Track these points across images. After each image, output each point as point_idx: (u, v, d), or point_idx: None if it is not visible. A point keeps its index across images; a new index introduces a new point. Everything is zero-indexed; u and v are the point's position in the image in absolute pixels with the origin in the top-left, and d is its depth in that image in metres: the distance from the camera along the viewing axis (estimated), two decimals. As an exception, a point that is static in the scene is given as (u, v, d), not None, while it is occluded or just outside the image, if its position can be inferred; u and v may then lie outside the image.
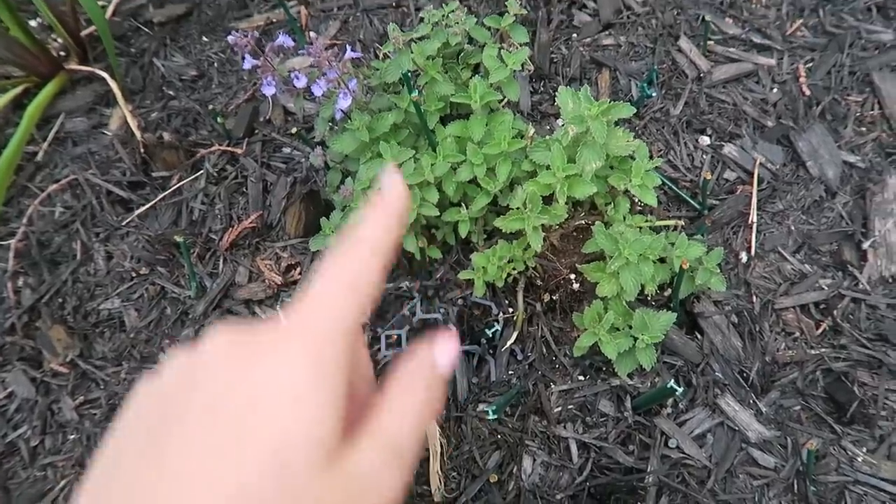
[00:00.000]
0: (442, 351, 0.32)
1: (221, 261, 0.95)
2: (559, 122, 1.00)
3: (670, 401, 0.79)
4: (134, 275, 0.96)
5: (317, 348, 0.28)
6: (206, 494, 0.24)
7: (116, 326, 0.94)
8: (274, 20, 1.18)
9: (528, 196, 0.74)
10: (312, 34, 0.84)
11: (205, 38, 1.19)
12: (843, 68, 1.02)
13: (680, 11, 1.09)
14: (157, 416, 0.27)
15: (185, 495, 0.24)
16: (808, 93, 1.00)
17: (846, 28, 1.06)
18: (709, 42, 1.03)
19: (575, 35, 1.08)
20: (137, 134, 1.03)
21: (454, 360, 0.33)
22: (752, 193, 0.91)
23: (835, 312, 0.84)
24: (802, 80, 1.01)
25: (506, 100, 0.83)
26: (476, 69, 0.88)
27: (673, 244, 0.79)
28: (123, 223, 0.99)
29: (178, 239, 0.82)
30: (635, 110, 0.76)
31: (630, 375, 0.79)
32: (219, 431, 0.26)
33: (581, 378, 0.81)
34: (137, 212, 0.99)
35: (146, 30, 1.21)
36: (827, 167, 0.93)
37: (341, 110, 0.83)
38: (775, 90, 1.00)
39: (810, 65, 1.03)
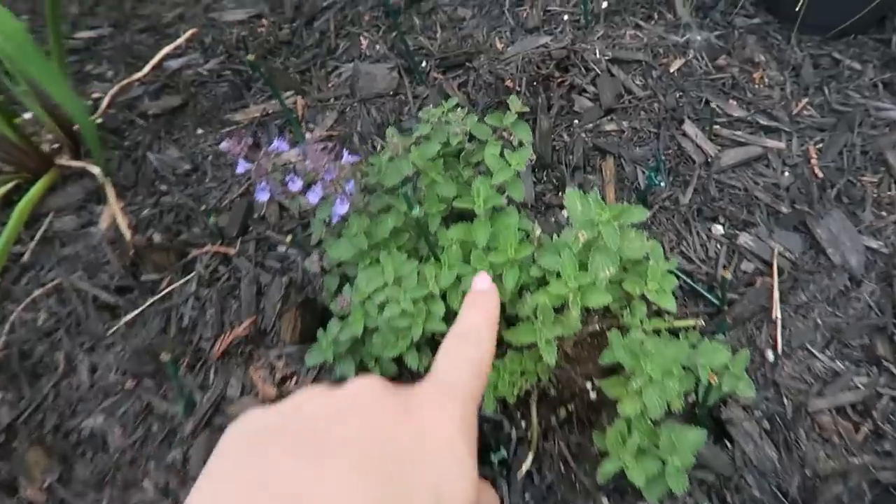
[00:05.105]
0: None
1: (213, 372, 0.89)
2: (564, 212, 0.96)
3: (704, 526, 0.72)
4: (119, 388, 0.90)
5: (464, 409, 0.33)
6: None
7: (99, 446, 0.88)
8: (270, 111, 1.17)
9: (539, 307, 0.69)
10: (308, 135, 0.81)
11: (199, 130, 1.17)
12: (854, 148, 0.99)
13: (682, 94, 1.07)
14: (262, 448, 0.29)
15: None
16: (820, 175, 0.96)
17: (853, 106, 1.04)
18: (714, 125, 1.01)
19: (576, 121, 1.06)
20: (127, 235, 0.99)
21: None
22: (773, 286, 0.86)
23: (874, 413, 0.78)
24: (814, 161, 0.98)
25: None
26: (477, 165, 0.85)
27: (694, 346, 0.73)
28: (109, 332, 0.94)
29: (165, 358, 0.77)
30: (648, 213, 0.73)
31: (660, 499, 0.72)
32: (371, 468, 0.27)
33: (606, 502, 0.74)
34: (125, 319, 0.94)
35: (141, 122, 1.20)
36: (849, 254, 0.88)
37: (339, 215, 0.79)
38: (787, 173, 0.97)
39: (820, 145, 1.00)
